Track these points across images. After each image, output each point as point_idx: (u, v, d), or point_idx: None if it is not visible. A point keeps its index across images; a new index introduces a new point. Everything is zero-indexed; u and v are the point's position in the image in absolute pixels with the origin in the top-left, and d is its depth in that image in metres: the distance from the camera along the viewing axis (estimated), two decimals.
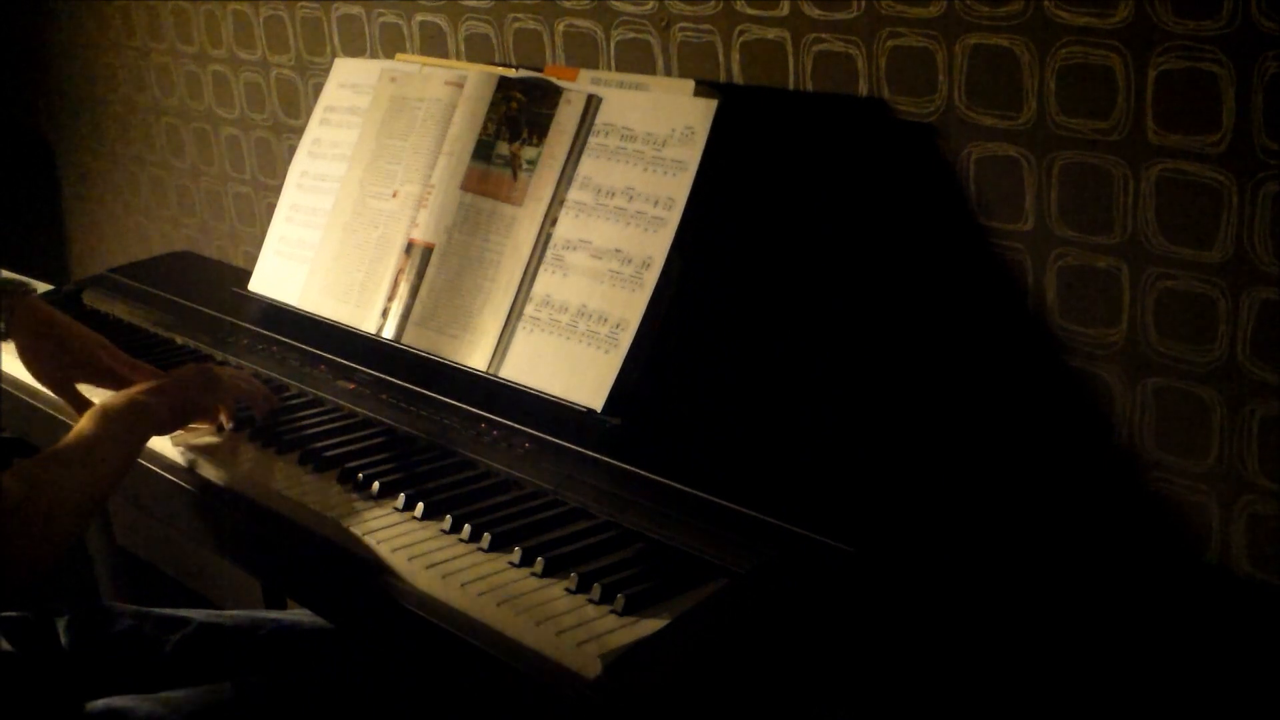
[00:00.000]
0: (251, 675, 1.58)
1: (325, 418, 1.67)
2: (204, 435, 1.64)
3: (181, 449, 1.62)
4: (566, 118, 1.67)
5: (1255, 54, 1.22)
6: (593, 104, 1.65)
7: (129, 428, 1.46)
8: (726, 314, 1.61)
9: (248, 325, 1.96)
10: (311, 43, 2.25)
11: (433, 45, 2.02)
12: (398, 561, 1.33)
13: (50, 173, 3.13)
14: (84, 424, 1.44)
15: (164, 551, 3.01)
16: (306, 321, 1.90)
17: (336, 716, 1.54)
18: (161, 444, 1.64)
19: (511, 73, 1.77)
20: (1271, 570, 1.32)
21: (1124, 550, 1.42)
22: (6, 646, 1.58)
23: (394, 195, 1.84)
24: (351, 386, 1.73)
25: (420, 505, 1.41)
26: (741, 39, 1.61)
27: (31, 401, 1.83)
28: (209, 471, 1.58)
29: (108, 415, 1.45)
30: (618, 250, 1.57)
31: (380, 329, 1.79)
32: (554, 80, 1.71)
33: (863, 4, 1.48)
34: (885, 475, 1.47)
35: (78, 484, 1.38)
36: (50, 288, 2.34)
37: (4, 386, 1.86)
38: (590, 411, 1.52)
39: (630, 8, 1.72)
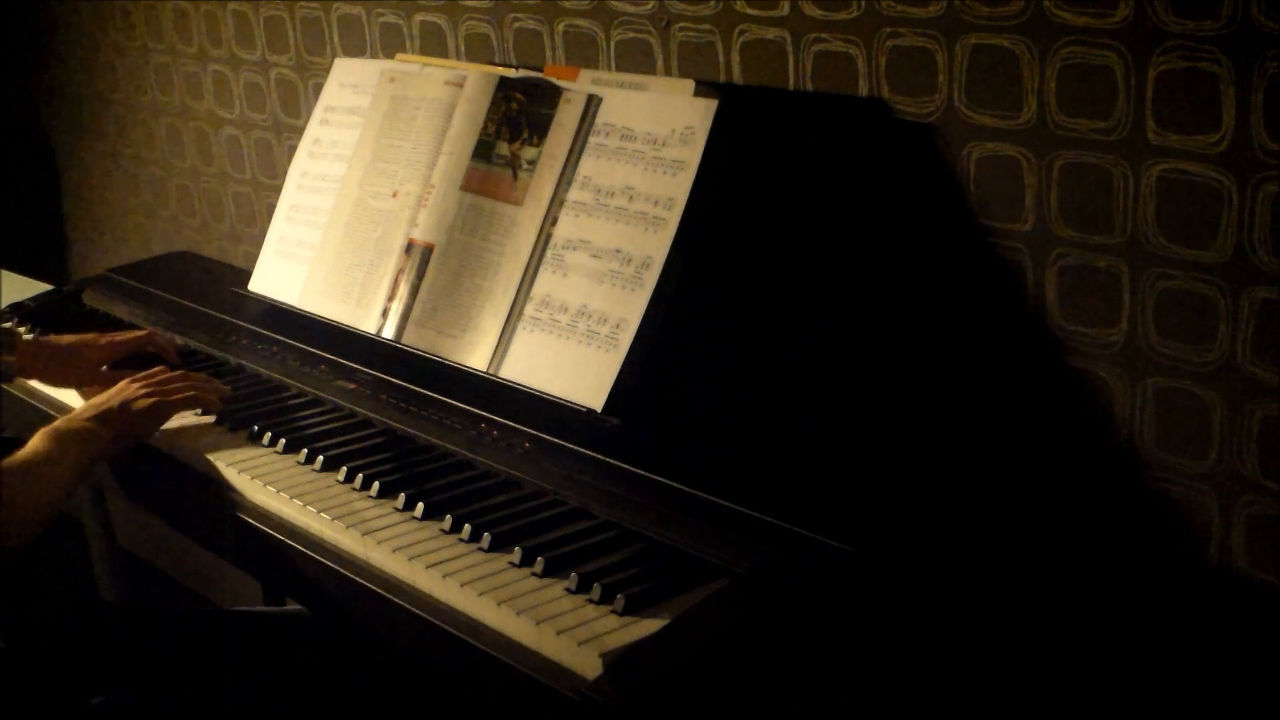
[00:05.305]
0: (250, 674, 1.58)
1: (325, 418, 1.67)
2: (203, 434, 1.64)
3: (181, 449, 1.63)
4: (566, 118, 1.67)
5: (1255, 54, 1.22)
6: (593, 104, 1.65)
7: (78, 451, 1.54)
8: (726, 314, 1.61)
9: (248, 325, 1.96)
10: (311, 43, 2.25)
11: (433, 45, 2.02)
12: (398, 561, 1.33)
13: (50, 172, 3.13)
14: (37, 443, 1.52)
15: (164, 551, 3.01)
16: (306, 321, 1.90)
17: (336, 716, 1.54)
18: (164, 445, 1.65)
19: (511, 73, 1.77)
20: (1271, 570, 1.32)
21: (1124, 550, 1.42)
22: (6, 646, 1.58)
23: (394, 195, 1.84)
24: (351, 386, 1.73)
25: (420, 505, 1.41)
26: (741, 39, 1.61)
27: (32, 402, 1.84)
28: (209, 472, 1.58)
29: (60, 437, 1.54)
30: (618, 250, 1.57)
31: (380, 329, 1.79)
32: (554, 80, 1.71)
33: (863, 4, 1.48)
34: (886, 475, 1.47)
35: (30, 497, 1.46)
36: (50, 288, 2.35)
37: (4, 387, 1.86)
38: (590, 411, 1.52)
39: (630, 8, 1.72)
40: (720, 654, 1.17)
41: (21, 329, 2.10)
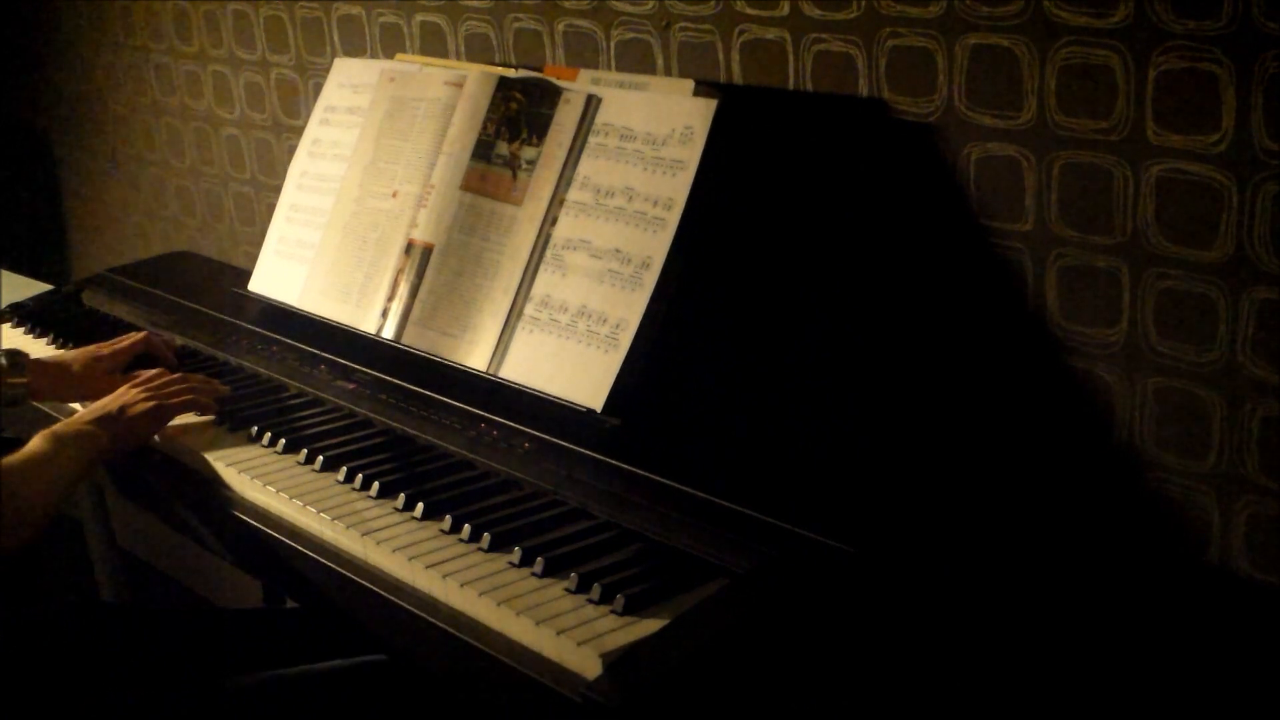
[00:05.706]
0: (250, 674, 1.58)
1: (325, 418, 1.67)
2: (202, 434, 1.64)
3: (180, 449, 1.63)
4: (566, 118, 1.67)
5: (1255, 54, 1.22)
6: (592, 104, 1.65)
7: (76, 453, 1.56)
8: (726, 314, 1.61)
9: (248, 325, 1.96)
10: (311, 43, 2.25)
11: (433, 45, 2.02)
12: (398, 562, 1.33)
13: (50, 173, 3.13)
14: (37, 444, 1.53)
15: (164, 551, 3.01)
16: (306, 321, 1.90)
17: (335, 716, 1.54)
18: (163, 445, 1.65)
19: (511, 73, 1.77)
20: (1271, 570, 1.32)
21: (1124, 550, 1.42)
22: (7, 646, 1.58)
23: (394, 195, 1.84)
24: (351, 386, 1.73)
25: (420, 505, 1.41)
26: (741, 39, 1.61)
27: (32, 403, 1.83)
28: (208, 472, 1.58)
29: (59, 439, 1.55)
30: (617, 250, 1.57)
31: (380, 329, 1.79)
32: (554, 80, 1.71)
33: (863, 4, 1.48)
34: (886, 475, 1.47)
35: (29, 498, 1.48)
36: (50, 288, 2.35)
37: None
38: (590, 411, 1.52)
39: (630, 8, 1.72)
40: (720, 654, 1.17)
41: (20, 329, 2.10)
